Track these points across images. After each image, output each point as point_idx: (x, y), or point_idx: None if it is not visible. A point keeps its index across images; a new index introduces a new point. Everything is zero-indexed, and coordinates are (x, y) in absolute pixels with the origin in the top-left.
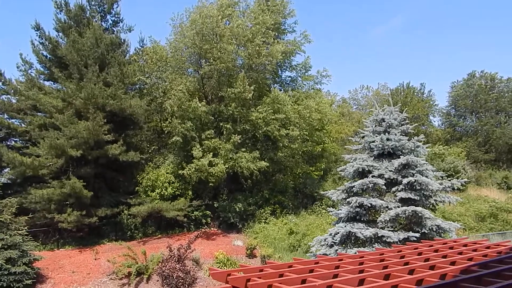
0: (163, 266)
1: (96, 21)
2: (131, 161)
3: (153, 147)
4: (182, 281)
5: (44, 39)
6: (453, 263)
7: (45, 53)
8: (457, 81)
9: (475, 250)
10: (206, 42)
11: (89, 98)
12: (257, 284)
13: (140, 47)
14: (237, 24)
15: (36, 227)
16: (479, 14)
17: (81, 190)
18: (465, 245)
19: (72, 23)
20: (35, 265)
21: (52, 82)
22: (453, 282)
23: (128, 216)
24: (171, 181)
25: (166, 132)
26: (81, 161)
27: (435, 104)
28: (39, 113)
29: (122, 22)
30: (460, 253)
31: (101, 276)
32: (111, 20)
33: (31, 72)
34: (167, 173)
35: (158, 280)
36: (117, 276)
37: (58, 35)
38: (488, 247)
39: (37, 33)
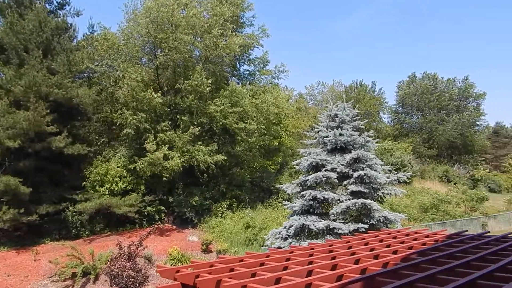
0: (112, 265)
1: (39, 2)
2: (77, 154)
3: (102, 140)
4: (132, 280)
5: None
6: (395, 252)
7: None
8: (403, 81)
9: (415, 239)
10: (161, 31)
11: (30, 86)
12: (205, 280)
13: (89, 33)
14: (192, 13)
15: None
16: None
17: (18, 187)
18: (407, 235)
19: (11, 3)
20: None
21: None
22: (393, 269)
23: (74, 213)
24: (122, 176)
25: (117, 123)
26: (20, 154)
27: (385, 102)
28: None
29: (69, 5)
30: (402, 242)
31: (42, 279)
32: (57, 2)
33: None
34: (117, 167)
35: (106, 280)
36: (59, 278)
37: None
38: (427, 236)
39: None
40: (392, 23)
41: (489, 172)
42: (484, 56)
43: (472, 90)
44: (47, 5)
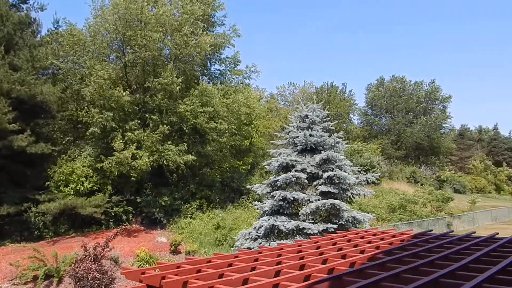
0: (77, 267)
1: None
2: (41, 153)
3: (67, 138)
4: (98, 282)
5: None
6: (362, 251)
7: None
8: (371, 83)
9: (382, 239)
10: (129, 28)
11: None
12: (172, 281)
13: (54, 29)
14: (162, 11)
15: None
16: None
17: None
18: (374, 235)
19: None
20: None
21: None
22: (359, 269)
23: (36, 214)
24: (89, 175)
25: (83, 121)
26: None
27: (355, 103)
28: None
29: None
30: (369, 242)
31: (2, 282)
32: None
33: None
34: (83, 166)
35: (70, 283)
36: (20, 281)
37: None
38: (393, 236)
39: None
40: (360, 26)
41: (454, 173)
42: (450, 61)
43: (438, 93)
44: None
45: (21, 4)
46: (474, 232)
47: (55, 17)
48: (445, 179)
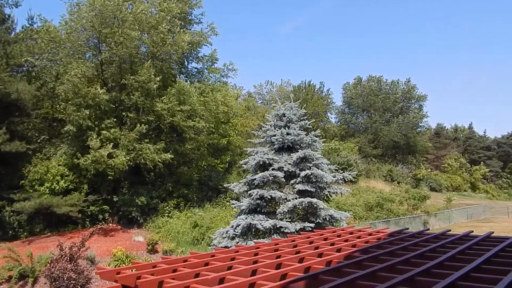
0: (52, 267)
1: None
2: (15, 152)
3: (42, 137)
4: (74, 282)
5: None
6: (339, 250)
7: None
8: (349, 83)
9: (359, 237)
10: (106, 25)
11: None
12: (147, 281)
13: (28, 25)
14: (140, 9)
15: None
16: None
17: None
18: (351, 233)
19: None
20: None
21: None
22: (336, 268)
23: (11, 213)
24: (64, 174)
25: (58, 119)
26: None
27: (333, 102)
28: None
29: None
30: (346, 241)
31: None
32: None
33: None
34: (59, 165)
35: (46, 283)
36: None
37: None
38: (370, 234)
39: None
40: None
41: (430, 171)
42: (425, 61)
43: (414, 92)
44: None
45: None
46: (450, 230)
47: (30, 14)
48: (421, 177)
